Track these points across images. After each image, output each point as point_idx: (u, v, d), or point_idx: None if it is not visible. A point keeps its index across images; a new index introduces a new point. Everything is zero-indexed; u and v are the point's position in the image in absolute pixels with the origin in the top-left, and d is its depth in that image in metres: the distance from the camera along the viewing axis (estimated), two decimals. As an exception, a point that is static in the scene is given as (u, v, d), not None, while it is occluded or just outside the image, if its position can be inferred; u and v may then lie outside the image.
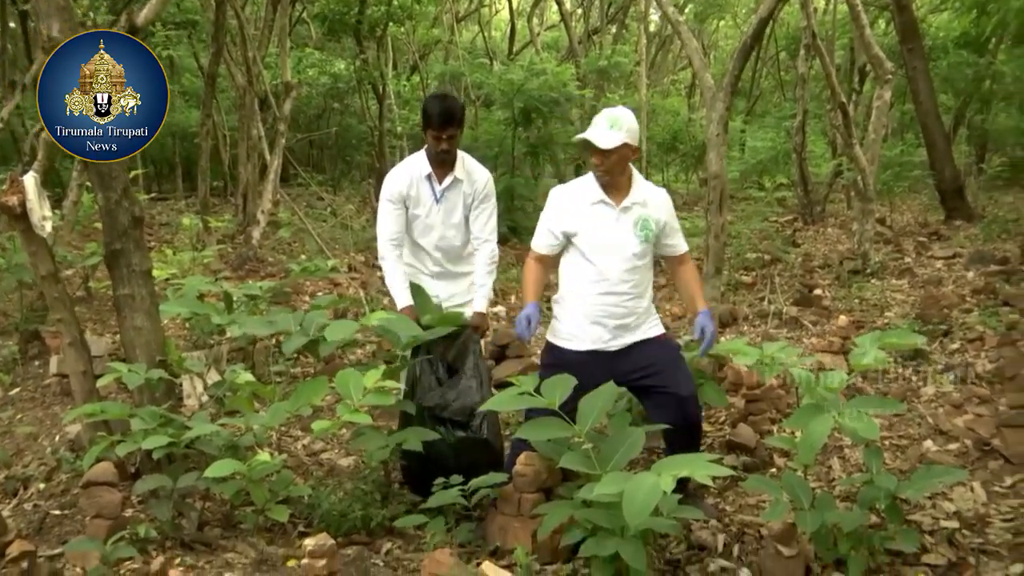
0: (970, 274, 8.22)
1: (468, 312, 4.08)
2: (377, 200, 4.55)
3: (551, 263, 3.71)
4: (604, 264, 3.51)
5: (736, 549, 3.52)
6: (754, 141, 13.39)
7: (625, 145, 3.40)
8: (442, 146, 3.97)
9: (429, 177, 4.07)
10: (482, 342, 4.19)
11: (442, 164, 4.07)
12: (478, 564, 2.96)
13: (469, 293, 4.21)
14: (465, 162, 4.15)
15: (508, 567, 2.94)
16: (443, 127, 3.94)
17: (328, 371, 5.15)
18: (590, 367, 3.44)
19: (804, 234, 11.11)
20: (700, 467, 2.70)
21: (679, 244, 3.70)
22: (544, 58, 14.57)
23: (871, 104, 9.81)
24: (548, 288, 4.00)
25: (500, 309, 7.93)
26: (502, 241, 7.46)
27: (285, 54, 10.87)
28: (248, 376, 3.92)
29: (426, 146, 4.08)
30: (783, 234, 10.89)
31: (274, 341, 5.41)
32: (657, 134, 13.65)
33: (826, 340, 5.81)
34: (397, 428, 3.79)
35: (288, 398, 3.48)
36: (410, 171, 4.10)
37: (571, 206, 3.55)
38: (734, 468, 4.20)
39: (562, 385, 3.12)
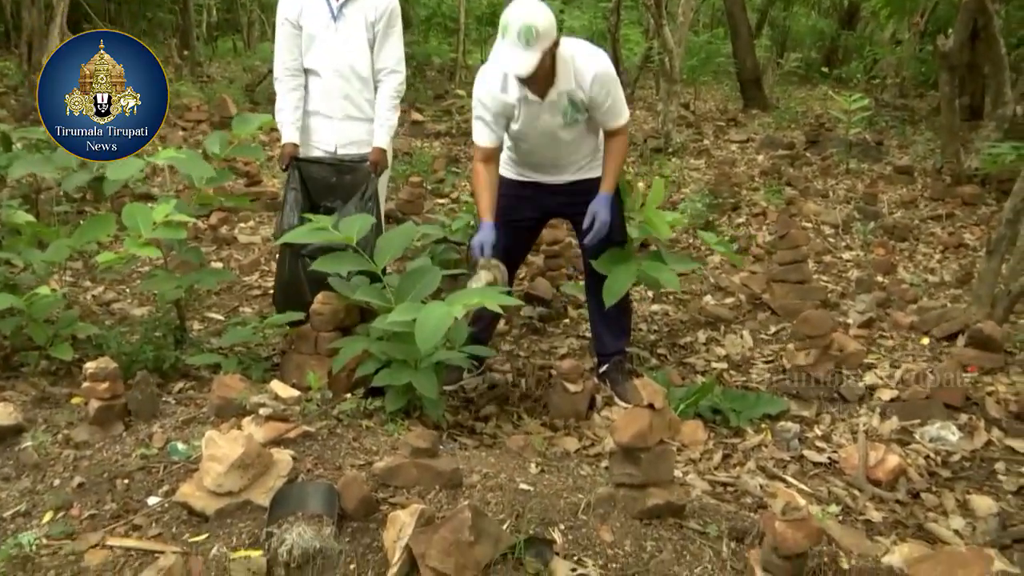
0: (760, 157, 8.80)
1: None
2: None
3: (497, 155, 3.42)
4: (534, 143, 3.40)
5: (526, 387, 3.73)
6: (571, 21, 13.48)
7: (545, 53, 3.03)
8: None
9: None
10: (382, 179, 3.81)
11: None
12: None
13: (367, 138, 3.78)
14: None
15: (303, 399, 2.98)
16: None
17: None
18: (527, 193, 3.52)
19: (614, 115, 11.41)
20: (490, 298, 2.81)
21: (607, 121, 3.36)
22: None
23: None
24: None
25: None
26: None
27: None
28: (27, 216, 3.67)
29: None
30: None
31: (62, 192, 5.07)
32: (476, 8, 13.46)
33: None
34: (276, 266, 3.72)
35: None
36: None
37: (494, 104, 3.27)
38: (531, 318, 4.41)
39: (360, 222, 3.13)
